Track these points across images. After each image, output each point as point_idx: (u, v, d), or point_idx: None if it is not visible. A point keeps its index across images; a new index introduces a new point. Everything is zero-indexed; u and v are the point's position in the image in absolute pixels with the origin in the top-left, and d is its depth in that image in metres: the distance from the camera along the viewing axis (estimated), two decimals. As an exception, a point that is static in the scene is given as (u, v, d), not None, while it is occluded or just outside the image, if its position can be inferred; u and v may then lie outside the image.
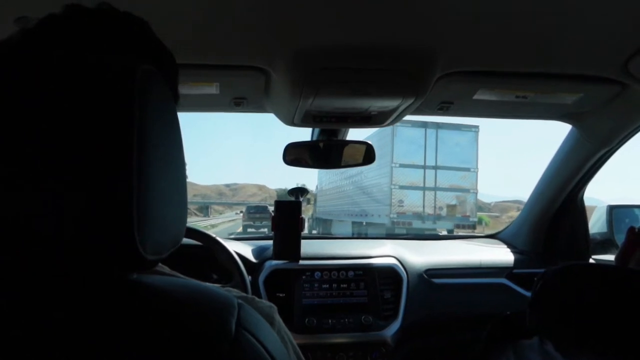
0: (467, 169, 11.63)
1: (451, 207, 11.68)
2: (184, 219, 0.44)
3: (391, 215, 11.61)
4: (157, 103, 0.38)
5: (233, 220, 34.38)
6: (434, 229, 11.46)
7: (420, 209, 11.70)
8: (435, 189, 11.59)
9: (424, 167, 11.75)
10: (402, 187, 11.72)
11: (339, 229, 16.14)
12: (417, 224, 11.48)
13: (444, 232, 10.96)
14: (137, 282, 0.39)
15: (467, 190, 11.73)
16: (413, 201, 11.73)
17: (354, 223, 14.79)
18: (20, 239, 0.35)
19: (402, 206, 11.68)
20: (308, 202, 21.48)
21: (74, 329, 0.34)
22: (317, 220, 19.83)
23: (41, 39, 0.42)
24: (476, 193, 11.89)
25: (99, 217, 0.34)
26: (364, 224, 14.00)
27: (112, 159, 0.34)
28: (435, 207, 11.60)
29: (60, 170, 0.34)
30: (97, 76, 0.36)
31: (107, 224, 0.34)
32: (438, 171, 11.73)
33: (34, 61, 0.36)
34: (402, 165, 11.68)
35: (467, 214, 11.71)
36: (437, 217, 11.58)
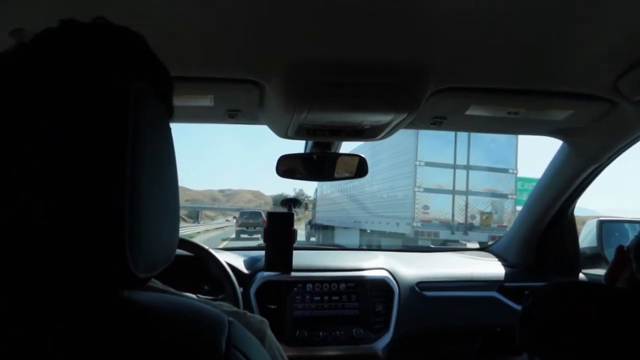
0: (505, 170, 11.19)
1: (486, 216, 11.24)
2: (176, 236, 0.51)
3: (414, 224, 11.22)
4: (151, 120, 0.45)
5: (220, 227, 34.16)
6: (464, 242, 10.94)
7: (448, 217, 11.27)
8: (467, 193, 11.25)
9: (454, 166, 11.36)
10: (427, 190, 11.29)
11: (343, 238, 15.98)
12: (444, 235, 11.13)
13: (476, 245, 10.46)
14: (128, 300, 0.45)
15: (504, 196, 11.22)
16: (440, 207, 11.32)
17: (362, 232, 14.49)
18: (18, 244, 0.41)
19: (428, 213, 11.29)
20: (306, 207, 21.54)
21: (63, 345, 0.40)
22: (317, 227, 19.85)
23: (37, 54, 0.47)
24: (515, 199, 11.32)
25: (91, 233, 0.40)
26: (369, 231, 13.71)
27: (105, 177, 0.40)
28: (466, 214, 11.21)
29: (53, 187, 0.40)
30: (92, 94, 0.42)
31: (98, 241, 0.40)
32: (470, 172, 11.32)
33: (30, 77, 0.43)
34: (428, 164, 11.26)
35: (504, 224, 10.88)
36: (469, 227, 11.10)
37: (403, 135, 11.26)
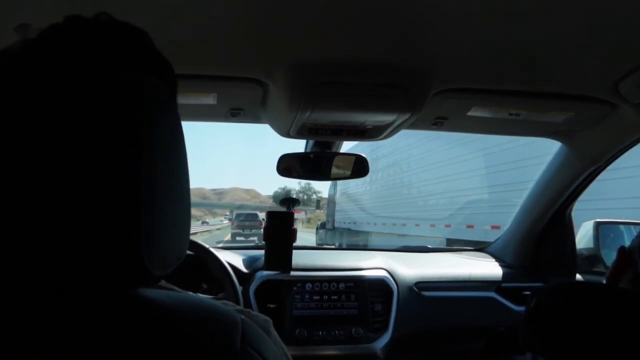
0: None
1: None
2: (187, 234, 0.52)
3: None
4: (164, 117, 0.46)
5: (198, 233, 28.72)
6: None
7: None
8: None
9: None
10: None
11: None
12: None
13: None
14: (142, 297, 0.46)
15: None
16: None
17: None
18: (28, 254, 0.41)
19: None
20: (317, 205, 20.14)
21: (80, 343, 0.41)
22: (338, 233, 16.23)
23: (43, 50, 0.47)
24: None
25: (107, 231, 0.41)
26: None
27: (121, 175, 0.41)
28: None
29: (67, 185, 0.40)
30: (104, 90, 0.42)
31: (115, 238, 0.41)
32: None
33: (37, 73, 0.42)
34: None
35: None
36: None
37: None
